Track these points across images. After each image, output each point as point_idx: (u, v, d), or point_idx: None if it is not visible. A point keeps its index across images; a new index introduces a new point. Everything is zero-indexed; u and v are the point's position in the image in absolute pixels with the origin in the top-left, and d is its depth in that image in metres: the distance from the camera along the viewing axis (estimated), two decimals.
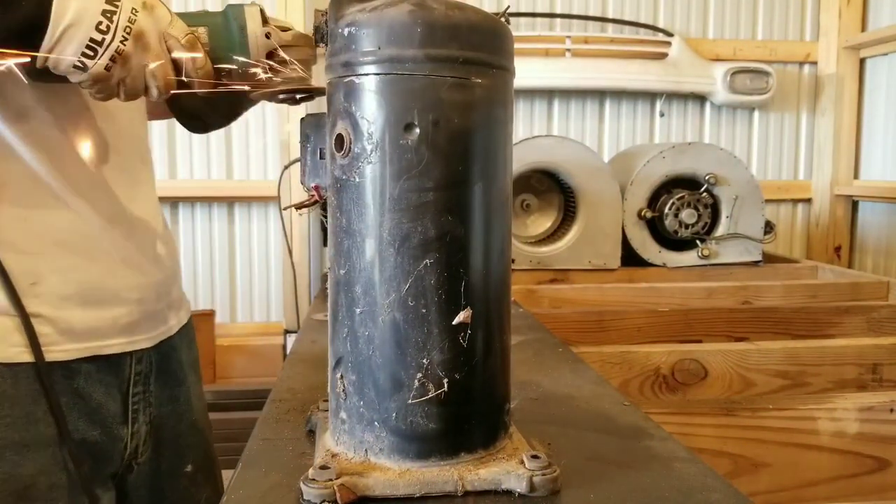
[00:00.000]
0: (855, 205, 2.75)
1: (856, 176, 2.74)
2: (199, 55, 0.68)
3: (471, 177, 0.60)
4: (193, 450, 0.99)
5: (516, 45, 0.66)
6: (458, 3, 0.60)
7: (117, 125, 0.84)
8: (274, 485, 0.63)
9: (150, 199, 0.92)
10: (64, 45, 0.62)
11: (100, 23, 0.62)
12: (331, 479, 0.58)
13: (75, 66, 0.63)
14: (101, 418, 0.83)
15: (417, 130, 0.58)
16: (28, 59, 0.62)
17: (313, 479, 0.58)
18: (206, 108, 0.90)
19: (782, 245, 2.80)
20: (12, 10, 0.60)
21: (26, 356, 0.75)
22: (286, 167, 1.98)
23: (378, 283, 0.60)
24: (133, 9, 0.63)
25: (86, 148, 0.79)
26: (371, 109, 0.58)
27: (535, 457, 0.62)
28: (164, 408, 0.93)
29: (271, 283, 2.80)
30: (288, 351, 1.14)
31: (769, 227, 2.19)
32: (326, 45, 0.63)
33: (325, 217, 0.68)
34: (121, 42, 0.63)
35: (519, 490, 0.60)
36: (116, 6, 0.62)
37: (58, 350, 0.77)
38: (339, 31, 0.60)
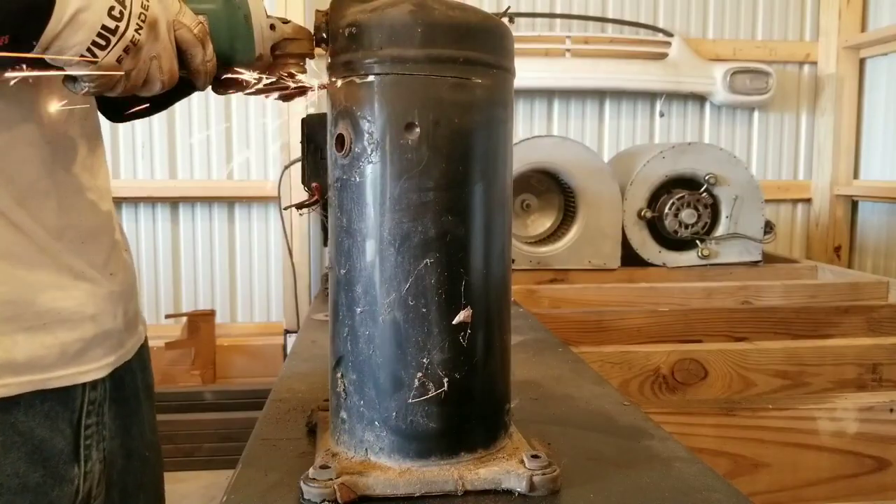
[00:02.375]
0: (855, 205, 2.76)
1: (855, 176, 2.74)
2: (209, 47, 0.61)
3: (471, 177, 0.60)
4: (144, 491, 0.85)
5: (516, 46, 0.66)
6: (458, 4, 0.60)
7: (66, 125, 0.74)
8: (274, 484, 0.63)
9: (102, 205, 0.79)
10: (72, 32, 0.54)
11: (112, 7, 0.55)
12: (331, 479, 0.58)
13: (83, 57, 0.55)
14: (44, 457, 0.69)
15: (418, 130, 0.58)
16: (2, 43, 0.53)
17: (313, 479, 0.58)
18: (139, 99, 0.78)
19: (782, 245, 2.80)
20: None
21: None
22: (286, 167, 1.98)
23: (378, 283, 0.60)
24: None
25: (30, 154, 0.69)
26: (372, 109, 0.59)
27: (535, 456, 0.62)
28: (114, 441, 0.79)
29: (271, 283, 2.80)
30: (288, 351, 1.14)
31: (769, 227, 2.19)
32: (327, 45, 0.63)
33: (326, 217, 0.66)
34: (135, 31, 0.56)
35: (519, 489, 0.60)
36: None
37: None
38: (340, 31, 0.61)
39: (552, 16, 2.68)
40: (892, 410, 1.05)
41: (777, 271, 2.15)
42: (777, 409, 1.04)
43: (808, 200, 2.82)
